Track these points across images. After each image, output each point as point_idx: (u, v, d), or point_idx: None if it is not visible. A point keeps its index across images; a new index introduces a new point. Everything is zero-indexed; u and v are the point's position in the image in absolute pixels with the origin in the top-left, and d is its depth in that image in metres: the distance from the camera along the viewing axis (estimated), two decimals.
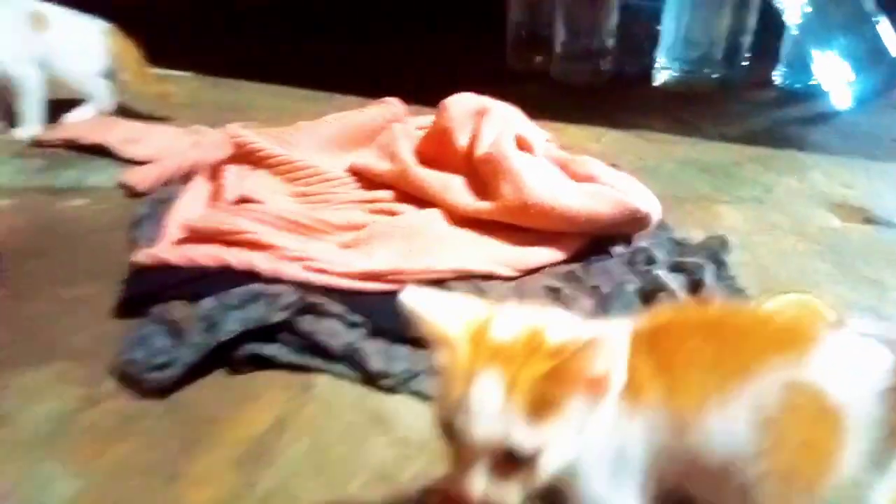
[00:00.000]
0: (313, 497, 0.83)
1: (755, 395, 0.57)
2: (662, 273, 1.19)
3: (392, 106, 1.59)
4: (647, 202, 1.29)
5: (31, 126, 1.92)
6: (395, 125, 1.48)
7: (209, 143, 1.82)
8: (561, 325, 0.56)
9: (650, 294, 1.18)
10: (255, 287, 1.09)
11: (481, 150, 1.31)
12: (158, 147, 1.81)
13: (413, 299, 0.56)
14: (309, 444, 0.91)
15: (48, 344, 1.08)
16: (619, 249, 1.31)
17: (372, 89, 2.20)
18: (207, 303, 1.05)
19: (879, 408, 0.58)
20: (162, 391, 0.97)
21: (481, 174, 1.29)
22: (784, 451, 0.57)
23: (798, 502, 0.59)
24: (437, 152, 1.37)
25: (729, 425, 0.57)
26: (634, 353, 0.54)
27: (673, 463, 0.59)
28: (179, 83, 2.51)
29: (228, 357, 1.02)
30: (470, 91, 1.50)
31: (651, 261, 1.27)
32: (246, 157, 1.45)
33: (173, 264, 1.19)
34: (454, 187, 1.29)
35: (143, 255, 1.22)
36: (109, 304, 1.17)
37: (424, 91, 1.76)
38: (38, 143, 1.88)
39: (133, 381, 0.98)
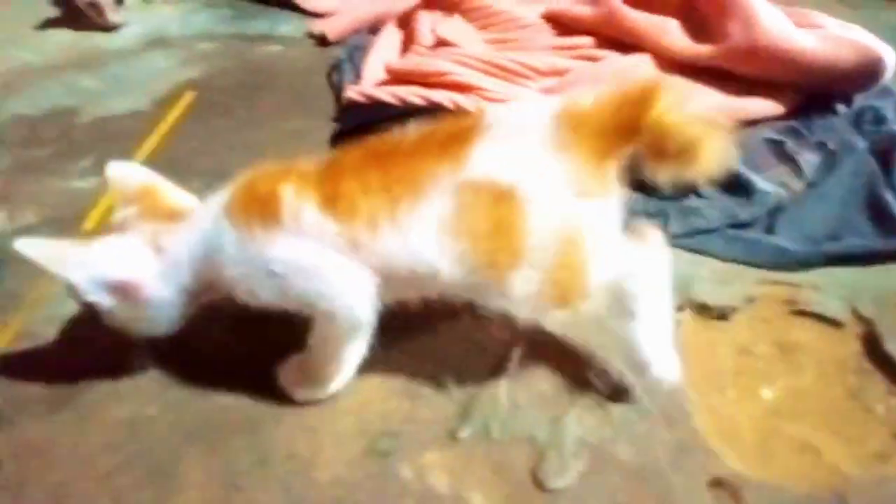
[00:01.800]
0: None
1: (429, 209, 0.62)
2: None
3: None
4: (888, 52, 1.15)
5: None
6: None
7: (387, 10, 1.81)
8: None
9: (883, 153, 1.08)
10: None
11: None
12: (338, 0, 1.82)
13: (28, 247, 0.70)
14: None
15: None
16: (842, 108, 1.19)
17: None
18: None
19: (553, 159, 0.62)
20: None
21: (703, 14, 1.19)
22: (480, 243, 0.62)
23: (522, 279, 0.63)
24: None
25: (408, 241, 0.63)
26: (308, 187, 0.64)
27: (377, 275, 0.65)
28: None
29: None
30: None
31: (880, 120, 1.16)
32: (441, 2, 1.43)
33: (383, 101, 1.22)
34: (669, 30, 1.21)
35: (355, 93, 1.25)
36: (324, 136, 1.23)
37: None
38: None
39: None
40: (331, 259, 0.64)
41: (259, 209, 0.65)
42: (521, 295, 0.65)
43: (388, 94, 1.23)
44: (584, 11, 1.32)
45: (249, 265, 0.66)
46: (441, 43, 1.35)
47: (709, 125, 0.64)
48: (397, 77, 1.29)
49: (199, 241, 0.69)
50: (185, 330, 0.75)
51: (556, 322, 0.83)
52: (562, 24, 1.36)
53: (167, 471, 0.68)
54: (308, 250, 0.64)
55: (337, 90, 1.39)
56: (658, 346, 0.71)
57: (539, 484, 0.66)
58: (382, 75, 1.34)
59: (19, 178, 1.14)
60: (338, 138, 1.22)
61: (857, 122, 1.17)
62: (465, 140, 0.63)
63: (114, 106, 1.37)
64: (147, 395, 0.76)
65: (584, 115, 0.64)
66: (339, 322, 0.67)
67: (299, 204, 0.64)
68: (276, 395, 0.74)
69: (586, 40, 1.30)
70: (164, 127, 1.27)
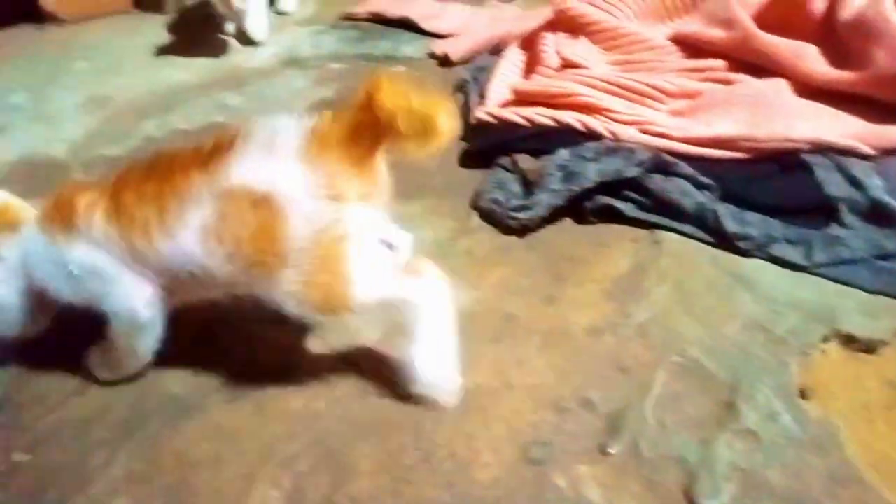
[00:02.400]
0: (691, 332, 0.88)
1: (192, 215, 0.70)
2: None
3: None
4: None
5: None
6: None
7: (509, 17, 1.87)
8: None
9: None
10: (607, 143, 1.13)
11: (849, 12, 1.18)
12: (458, 22, 1.90)
13: None
14: (672, 290, 0.95)
15: (415, 182, 1.23)
16: None
17: None
18: (563, 154, 1.11)
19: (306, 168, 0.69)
20: (523, 229, 1.07)
21: (844, 40, 1.17)
22: (243, 245, 0.70)
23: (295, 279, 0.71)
24: (783, 18, 1.27)
25: (178, 246, 0.72)
26: (99, 199, 0.74)
27: (157, 278, 0.75)
28: None
29: (577, 206, 1.09)
30: None
31: None
32: (566, 24, 1.47)
33: (512, 122, 1.27)
34: (807, 54, 1.19)
35: (484, 114, 1.31)
36: (452, 155, 1.30)
37: None
38: (348, 17, 2.07)
39: (496, 218, 1.09)
40: (114, 264, 0.75)
41: (60, 217, 0.76)
42: (289, 294, 0.72)
43: (517, 115, 1.27)
44: (716, 34, 1.32)
45: (53, 267, 0.77)
46: (567, 65, 1.38)
47: (433, 98, 0.70)
48: (524, 98, 1.34)
49: (24, 247, 0.79)
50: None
51: (699, 347, 0.85)
52: (691, 47, 1.37)
53: (340, 460, 0.75)
54: (98, 256, 0.75)
55: (462, 110, 1.45)
56: (435, 369, 0.77)
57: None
58: (508, 96, 1.39)
59: None
60: (467, 157, 1.28)
61: None
62: (223, 152, 0.71)
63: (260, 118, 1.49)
64: (315, 391, 0.83)
65: (328, 126, 0.71)
66: (122, 321, 0.77)
67: (91, 213, 0.74)
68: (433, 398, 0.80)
69: (718, 63, 1.30)
70: None
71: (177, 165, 0.73)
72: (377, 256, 0.75)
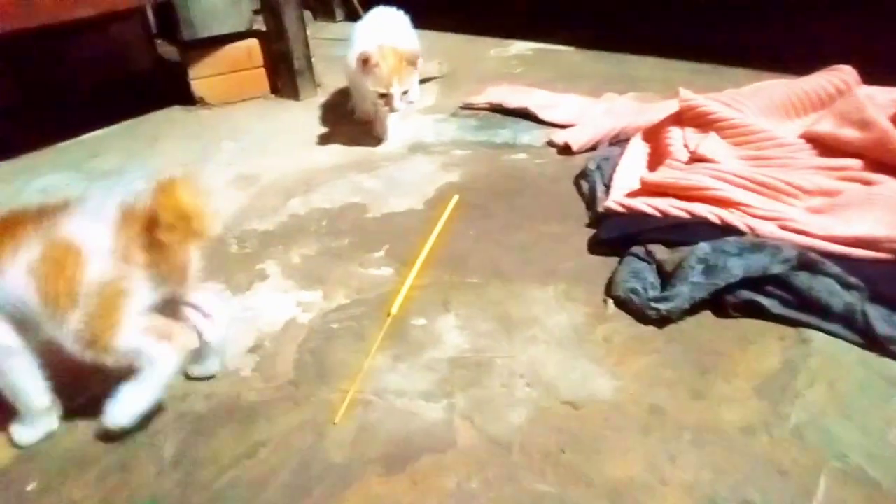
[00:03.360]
0: (849, 437, 0.85)
1: (23, 256, 0.87)
2: None
3: (843, 73, 1.50)
4: None
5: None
6: (859, 92, 1.39)
7: (624, 109, 1.94)
8: None
9: None
10: (750, 238, 1.14)
11: None
12: (574, 112, 1.99)
13: None
14: (825, 391, 0.93)
15: (546, 267, 1.27)
16: None
17: (768, 62, 2.13)
18: (703, 247, 1.13)
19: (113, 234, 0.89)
20: (663, 320, 1.08)
21: None
22: (52, 284, 0.86)
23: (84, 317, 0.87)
24: None
25: (8, 279, 0.87)
26: None
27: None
28: (562, 55, 2.74)
29: (716, 299, 1.10)
30: None
31: None
32: (693, 119, 1.51)
33: (643, 212, 1.31)
34: None
35: (614, 203, 1.35)
36: (582, 242, 1.34)
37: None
38: (466, 106, 2.21)
39: (634, 307, 1.11)
40: None
41: None
42: (71, 332, 0.87)
43: (648, 206, 1.31)
44: (851, 134, 1.33)
45: None
46: (696, 158, 1.42)
47: (200, 200, 0.88)
48: (653, 189, 1.38)
49: None
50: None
51: (860, 453, 0.82)
52: (824, 146, 1.37)
53: None
54: None
55: (587, 198, 1.51)
56: (124, 408, 0.92)
57: None
58: (633, 186, 1.44)
59: (328, 263, 1.37)
60: (596, 245, 1.32)
61: None
62: (60, 211, 0.90)
63: (392, 202, 1.60)
64: (468, 470, 0.86)
65: (137, 208, 0.90)
66: None
67: None
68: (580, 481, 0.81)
69: (854, 162, 1.30)
70: (438, 226, 1.44)
71: (21, 218, 0.90)
72: (141, 315, 0.91)
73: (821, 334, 1.03)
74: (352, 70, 1.88)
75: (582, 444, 0.89)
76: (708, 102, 1.50)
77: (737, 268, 1.07)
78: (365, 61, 1.76)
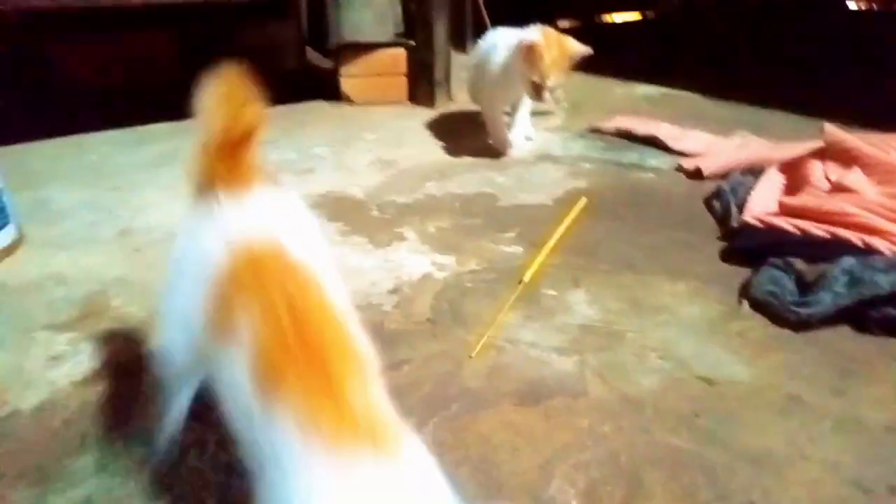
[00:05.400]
0: None
1: None
2: None
3: None
4: None
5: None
6: None
7: (756, 146, 1.95)
8: None
9: None
10: None
11: None
12: (704, 145, 2.01)
13: None
14: None
15: (676, 267, 1.29)
16: None
17: None
18: (848, 260, 1.12)
19: None
20: (801, 324, 1.08)
21: None
22: None
23: None
24: None
25: None
26: None
27: None
28: (688, 99, 2.76)
29: (856, 314, 1.08)
30: None
31: None
32: (837, 155, 1.51)
33: (782, 229, 1.31)
34: None
35: (752, 218, 1.36)
36: (713, 251, 1.35)
37: None
38: (594, 130, 2.27)
39: (773, 309, 1.11)
40: None
41: None
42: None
43: (789, 224, 1.31)
44: None
45: None
46: (838, 188, 1.41)
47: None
48: (791, 211, 1.37)
49: None
50: None
51: None
52: None
53: (632, 480, 0.78)
54: None
55: (719, 214, 1.51)
56: None
57: None
58: (771, 208, 1.44)
59: (461, 236, 1.44)
60: (728, 254, 1.33)
61: None
62: None
63: (522, 196, 1.67)
64: (601, 416, 0.88)
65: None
66: None
67: None
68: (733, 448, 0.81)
69: None
70: (568, 219, 1.50)
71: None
72: None
73: None
74: (488, 77, 1.94)
75: (718, 414, 0.89)
76: (854, 140, 1.49)
77: (885, 282, 1.06)
78: (529, 49, 1.73)
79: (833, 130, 1.56)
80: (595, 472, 0.79)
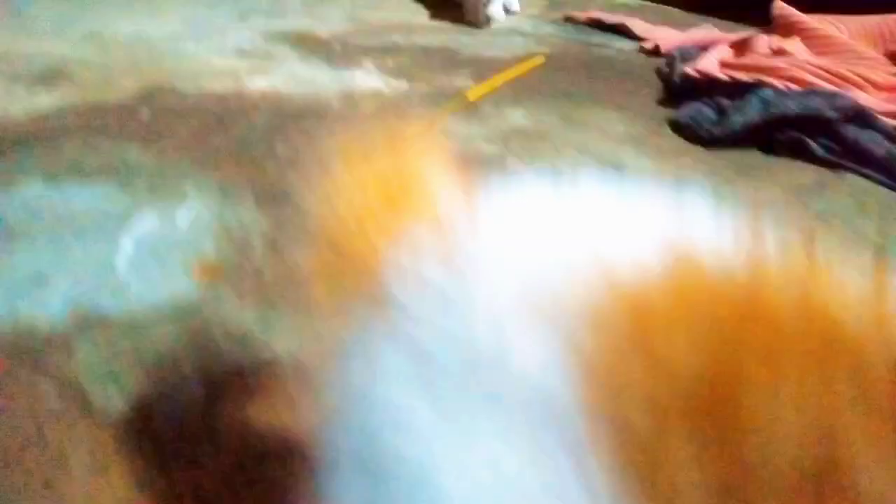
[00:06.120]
0: None
1: None
2: None
3: None
4: None
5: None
6: None
7: (718, 32, 2.02)
8: None
9: None
10: (810, 89, 1.22)
11: None
12: (672, 35, 2.07)
13: None
14: (851, 200, 1.01)
15: (613, 102, 1.38)
16: None
17: None
18: (766, 91, 1.21)
19: None
20: (713, 141, 1.17)
21: None
22: None
23: None
24: None
25: None
26: None
27: None
28: (667, 10, 2.81)
29: (768, 141, 1.18)
30: None
31: None
32: (782, 28, 1.59)
33: (715, 78, 1.39)
34: None
35: (691, 70, 1.45)
36: (649, 95, 1.44)
37: None
38: (567, 19, 2.32)
39: (691, 131, 1.20)
40: None
41: None
42: None
43: (722, 74, 1.40)
44: None
45: None
46: (778, 52, 1.49)
47: None
48: (728, 67, 1.46)
49: None
50: None
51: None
52: None
53: None
54: None
55: (664, 75, 1.60)
56: None
57: None
58: (714, 66, 1.52)
59: (418, 69, 1.51)
60: (665, 101, 1.42)
61: None
62: None
63: (483, 52, 1.73)
64: None
65: None
66: None
67: None
68: None
69: None
70: (521, 66, 1.57)
71: None
72: None
73: (860, 179, 1.10)
74: None
75: None
76: (802, 15, 1.57)
77: (793, 105, 1.15)
78: None
79: (782, 5, 1.63)
80: None
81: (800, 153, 1.15)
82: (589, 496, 0.24)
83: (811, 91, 1.19)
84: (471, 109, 1.27)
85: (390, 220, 0.35)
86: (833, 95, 1.17)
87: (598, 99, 1.39)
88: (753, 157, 1.15)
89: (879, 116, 1.14)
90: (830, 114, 1.14)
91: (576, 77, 1.56)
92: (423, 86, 1.40)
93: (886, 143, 1.10)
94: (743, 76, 1.37)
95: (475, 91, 1.34)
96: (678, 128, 1.23)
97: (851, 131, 1.13)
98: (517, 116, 1.25)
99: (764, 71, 1.38)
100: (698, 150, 1.16)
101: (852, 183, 1.07)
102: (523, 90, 1.42)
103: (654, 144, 1.17)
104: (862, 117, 1.14)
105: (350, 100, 1.26)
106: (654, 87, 1.53)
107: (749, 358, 0.23)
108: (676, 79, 1.49)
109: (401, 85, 1.40)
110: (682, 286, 0.26)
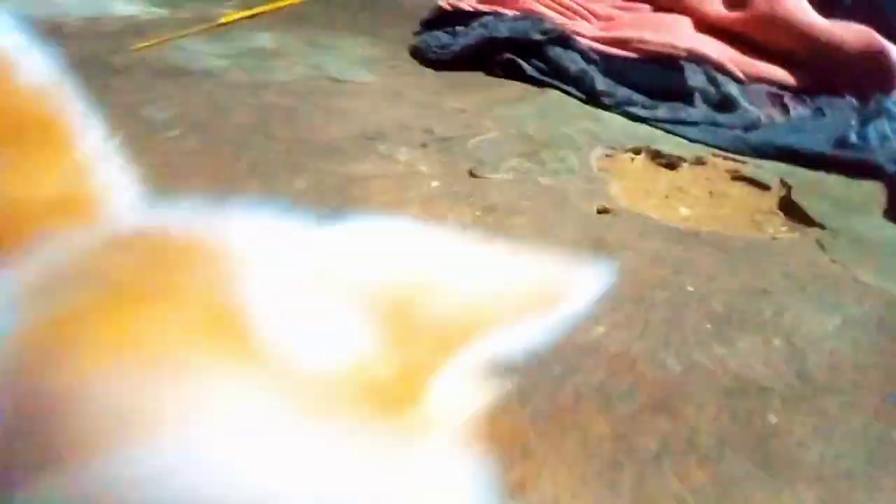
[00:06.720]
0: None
1: None
2: None
3: None
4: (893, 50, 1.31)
5: None
6: None
7: None
8: None
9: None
10: (524, 14, 1.37)
11: None
12: None
13: None
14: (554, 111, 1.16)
15: (366, 32, 1.47)
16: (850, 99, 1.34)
17: None
18: (487, 19, 1.35)
19: None
20: (437, 62, 1.30)
21: None
22: None
23: None
24: None
25: None
26: None
27: None
28: None
29: (489, 62, 1.32)
30: None
31: (882, 112, 1.30)
32: None
33: (462, 10, 1.52)
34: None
35: (445, 3, 1.56)
36: (404, 28, 1.54)
37: None
38: None
39: (421, 54, 1.32)
40: None
41: None
42: None
43: (468, 6, 1.53)
44: None
45: None
46: None
47: None
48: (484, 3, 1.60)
49: None
50: None
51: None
52: None
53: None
54: None
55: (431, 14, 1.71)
56: None
57: None
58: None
59: (182, 1, 1.53)
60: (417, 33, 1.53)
61: (861, 107, 1.31)
62: None
63: None
64: (231, 90, 1.05)
65: None
66: None
67: None
68: None
69: (644, 6, 1.55)
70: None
71: None
72: None
73: (557, 92, 1.26)
74: None
75: (333, 97, 1.09)
76: None
77: (504, 29, 1.30)
78: None
79: None
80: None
81: (513, 72, 1.30)
82: None
83: (523, 17, 1.35)
84: (221, 32, 1.32)
85: None
86: (540, 20, 1.32)
87: (355, 30, 1.48)
88: (474, 77, 1.29)
89: (581, 40, 1.31)
90: (537, 36, 1.30)
91: (348, 11, 1.64)
92: (184, 13, 1.42)
93: (582, 63, 1.28)
94: (484, 7, 1.50)
95: (229, 16, 1.39)
96: (414, 51, 1.34)
97: (556, 52, 1.29)
98: (263, 40, 1.31)
99: (503, 2, 1.52)
100: (426, 72, 1.28)
101: (549, 96, 1.24)
102: (282, 19, 1.47)
103: (388, 65, 1.28)
104: (565, 40, 1.30)
105: (96, 23, 1.27)
106: (416, 21, 1.64)
107: None
108: (434, 12, 1.60)
109: (161, 12, 1.41)
110: None
